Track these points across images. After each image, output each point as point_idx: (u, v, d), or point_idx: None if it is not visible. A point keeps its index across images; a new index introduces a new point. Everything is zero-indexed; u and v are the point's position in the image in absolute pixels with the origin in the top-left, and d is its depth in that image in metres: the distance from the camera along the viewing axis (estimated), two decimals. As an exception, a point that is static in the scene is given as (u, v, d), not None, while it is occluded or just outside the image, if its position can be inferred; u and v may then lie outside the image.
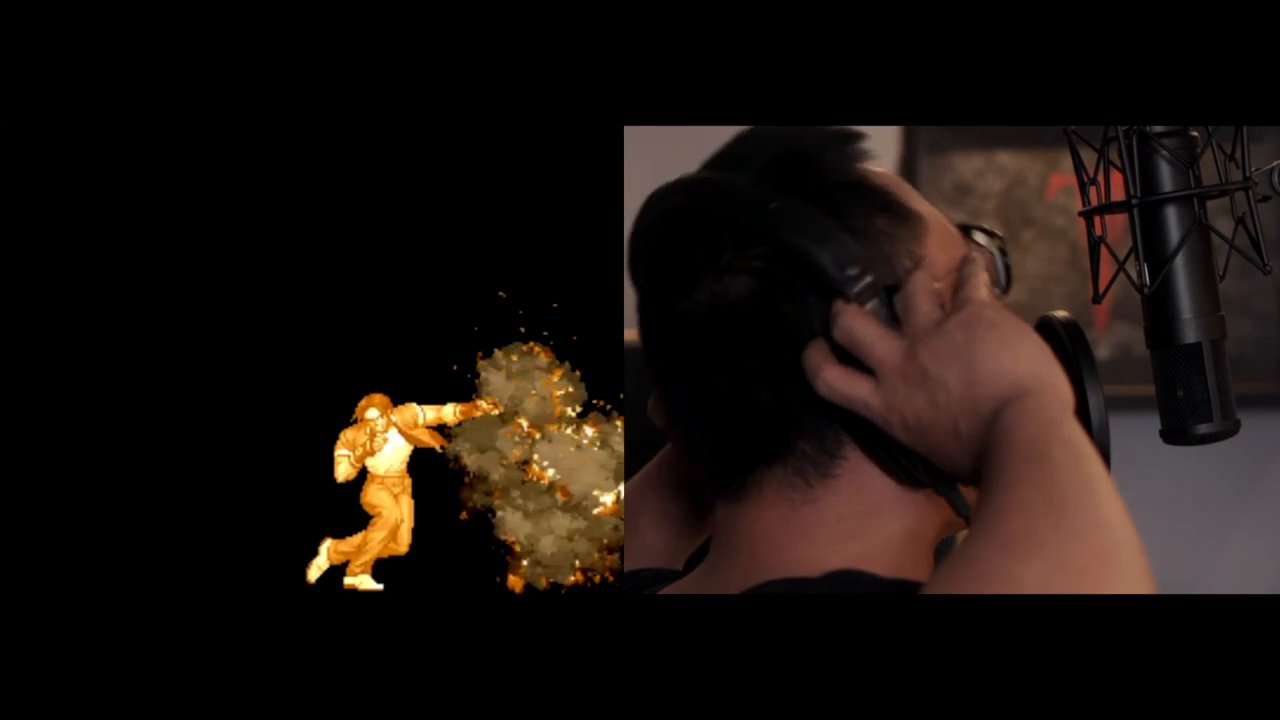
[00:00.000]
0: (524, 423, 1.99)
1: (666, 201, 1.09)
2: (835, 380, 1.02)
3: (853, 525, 1.08)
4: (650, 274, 1.11)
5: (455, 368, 2.40)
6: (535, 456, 1.99)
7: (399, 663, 1.40)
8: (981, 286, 1.03)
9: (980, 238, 1.13)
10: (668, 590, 1.20)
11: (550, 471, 1.96)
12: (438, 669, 1.39)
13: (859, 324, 1.01)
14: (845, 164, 1.08)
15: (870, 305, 1.02)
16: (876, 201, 1.07)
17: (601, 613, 1.32)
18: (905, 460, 1.04)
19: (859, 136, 1.10)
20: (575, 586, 1.92)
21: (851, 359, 1.02)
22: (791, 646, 1.17)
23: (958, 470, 1.01)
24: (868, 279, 1.01)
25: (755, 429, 1.07)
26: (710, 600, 1.14)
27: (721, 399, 1.07)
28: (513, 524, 1.91)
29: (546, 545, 1.91)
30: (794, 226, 1.02)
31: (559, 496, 1.98)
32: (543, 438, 1.94)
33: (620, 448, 1.88)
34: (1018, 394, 0.97)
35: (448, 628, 1.44)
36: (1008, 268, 1.14)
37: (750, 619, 1.16)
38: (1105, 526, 0.91)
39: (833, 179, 1.07)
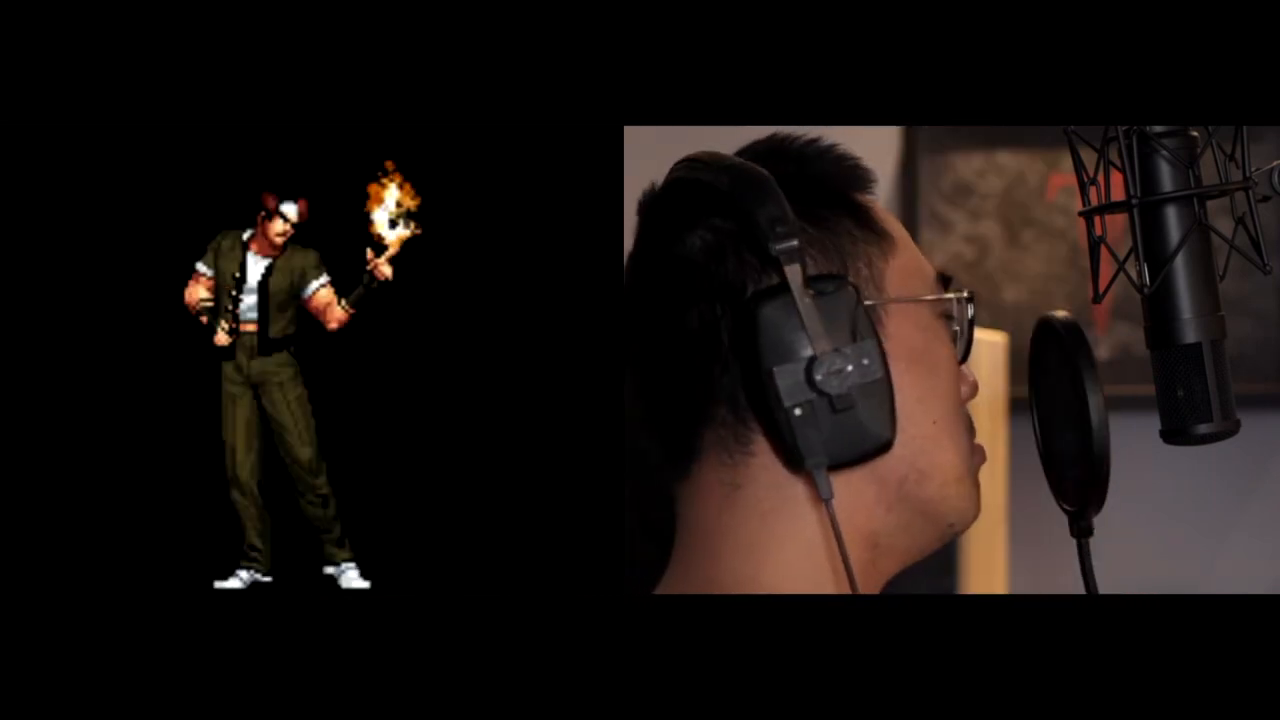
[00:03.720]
0: None
1: (670, 174, 1.17)
2: None
3: (775, 525, 1.10)
4: (637, 238, 1.17)
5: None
6: None
7: (392, 663, 1.40)
8: None
9: (954, 295, 1.16)
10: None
11: None
12: (432, 669, 1.39)
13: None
14: (833, 173, 1.14)
15: (799, 278, 1.04)
16: (849, 208, 1.13)
17: (600, 613, 1.32)
18: (780, 440, 1.06)
19: (865, 171, 1.16)
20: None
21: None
22: (785, 648, 1.17)
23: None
24: (793, 242, 1.04)
25: (681, 386, 1.11)
26: (705, 601, 1.14)
27: (659, 353, 1.12)
28: None
29: None
30: (747, 188, 1.07)
31: None
32: None
33: None
34: None
35: (443, 627, 1.44)
36: (970, 334, 1.17)
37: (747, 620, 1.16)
38: None
39: (814, 176, 1.13)
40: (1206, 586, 2.77)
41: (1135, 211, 1.15)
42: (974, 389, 1.18)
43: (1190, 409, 1.16)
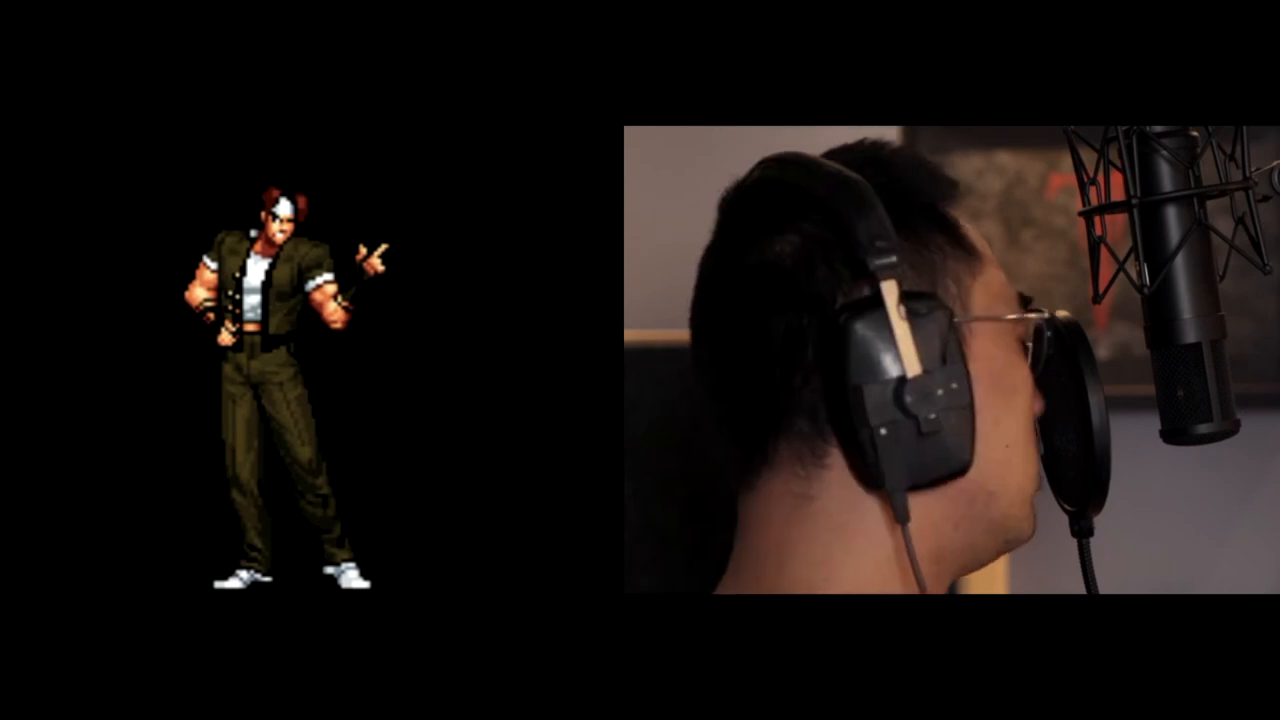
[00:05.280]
0: None
1: (755, 172, 1.15)
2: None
3: (847, 539, 1.09)
4: (719, 235, 1.15)
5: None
6: None
7: (392, 663, 1.40)
8: None
9: (1038, 315, 1.16)
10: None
11: None
12: (432, 669, 1.39)
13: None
14: (925, 186, 1.12)
15: (895, 296, 1.02)
16: (940, 223, 1.11)
17: (600, 613, 1.32)
18: (859, 457, 1.05)
19: (953, 183, 1.14)
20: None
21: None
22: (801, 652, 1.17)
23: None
24: (892, 258, 1.03)
25: (760, 393, 1.09)
26: (710, 602, 1.14)
27: (738, 358, 1.10)
28: None
29: None
30: (847, 197, 1.05)
31: None
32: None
33: None
34: None
35: (443, 627, 1.44)
36: (1046, 354, 1.17)
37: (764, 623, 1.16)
38: None
39: (907, 189, 1.11)
40: (1206, 586, 2.77)
41: (1135, 211, 1.15)
42: (1044, 409, 1.18)
43: (1190, 409, 1.16)
